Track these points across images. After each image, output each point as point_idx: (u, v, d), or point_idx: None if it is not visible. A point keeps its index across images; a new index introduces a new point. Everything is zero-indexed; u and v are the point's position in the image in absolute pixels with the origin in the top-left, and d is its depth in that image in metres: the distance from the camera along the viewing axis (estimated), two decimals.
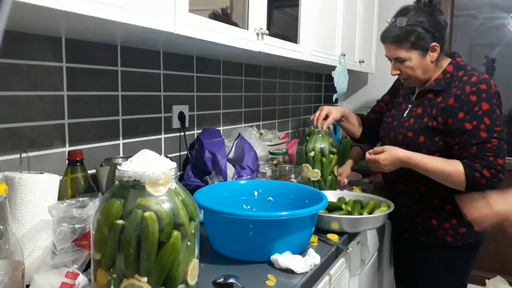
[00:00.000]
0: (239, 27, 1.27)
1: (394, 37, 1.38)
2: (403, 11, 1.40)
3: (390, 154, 1.36)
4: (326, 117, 1.59)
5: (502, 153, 1.28)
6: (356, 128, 1.72)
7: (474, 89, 1.29)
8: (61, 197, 0.95)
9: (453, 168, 1.29)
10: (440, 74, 1.41)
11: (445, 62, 1.43)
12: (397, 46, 1.38)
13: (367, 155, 1.42)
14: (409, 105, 1.49)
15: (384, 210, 1.31)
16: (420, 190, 1.44)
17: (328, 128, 1.63)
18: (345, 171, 1.78)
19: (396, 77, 1.52)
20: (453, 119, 1.31)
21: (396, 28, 1.37)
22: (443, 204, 1.41)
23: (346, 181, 1.75)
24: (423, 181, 1.40)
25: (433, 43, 1.36)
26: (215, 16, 1.20)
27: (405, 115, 1.48)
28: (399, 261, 1.73)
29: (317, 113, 1.60)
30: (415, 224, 1.49)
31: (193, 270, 0.71)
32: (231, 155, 1.59)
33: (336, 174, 1.63)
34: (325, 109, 1.60)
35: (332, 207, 1.34)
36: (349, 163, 1.84)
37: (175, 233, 0.66)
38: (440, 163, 1.32)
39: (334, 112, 1.61)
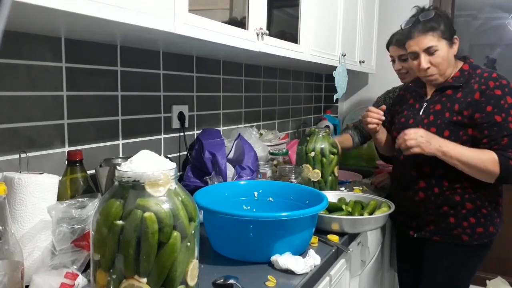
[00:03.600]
0: (239, 27, 1.27)
1: (426, 26, 1.38)
2: (422, 9, 1.43)
3: (428, 133, 1.35)
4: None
5: None
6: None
7: (497, 83, 1.35)
8: (60, 197, 0.95)
9: (487, 156, 1.31)
10: (457, 72, 1.45)
11: (460, 62, 1.47)
12: (430, 34, 1.38)
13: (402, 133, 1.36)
14: (424, 104, 1.50)
15: (384, 210, 1.31)
16: (443, 185, 1.42)
17: (328, 128, 1.63)
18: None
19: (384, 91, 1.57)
20: (481, 113, 1.34)
21: (424, 20, 1.38)
22: (464, 202, 1.41)
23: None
24: (447, 177, 1.40)
25: (455, 36, 1.42)
26: (234, 23, 1.25)
27: (421, 113, 1.49)
28: (403, 260, 1.73)
29: (368, 113, 1.56)
30: (428, 223, 1.47)
31: (192, 270, 0.71)
32: (231, 156, 1.59)
33: (336, 174, 1.63)
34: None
35: (333, 208, 1.34)
36: None
37: (175, 233, 0.66)
38: (474, 151, 1.33)
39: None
